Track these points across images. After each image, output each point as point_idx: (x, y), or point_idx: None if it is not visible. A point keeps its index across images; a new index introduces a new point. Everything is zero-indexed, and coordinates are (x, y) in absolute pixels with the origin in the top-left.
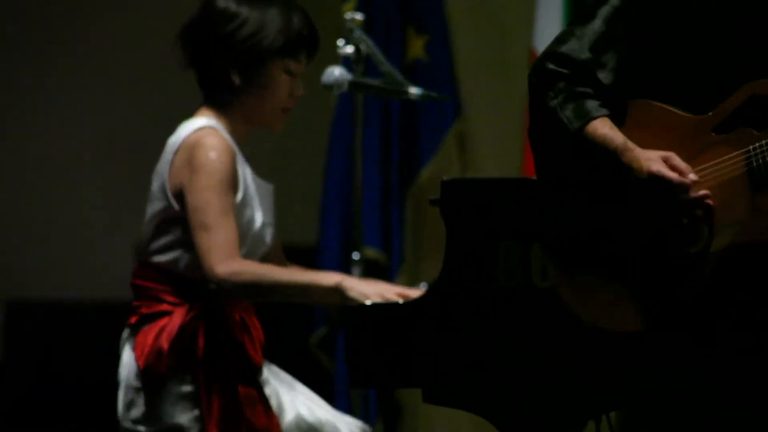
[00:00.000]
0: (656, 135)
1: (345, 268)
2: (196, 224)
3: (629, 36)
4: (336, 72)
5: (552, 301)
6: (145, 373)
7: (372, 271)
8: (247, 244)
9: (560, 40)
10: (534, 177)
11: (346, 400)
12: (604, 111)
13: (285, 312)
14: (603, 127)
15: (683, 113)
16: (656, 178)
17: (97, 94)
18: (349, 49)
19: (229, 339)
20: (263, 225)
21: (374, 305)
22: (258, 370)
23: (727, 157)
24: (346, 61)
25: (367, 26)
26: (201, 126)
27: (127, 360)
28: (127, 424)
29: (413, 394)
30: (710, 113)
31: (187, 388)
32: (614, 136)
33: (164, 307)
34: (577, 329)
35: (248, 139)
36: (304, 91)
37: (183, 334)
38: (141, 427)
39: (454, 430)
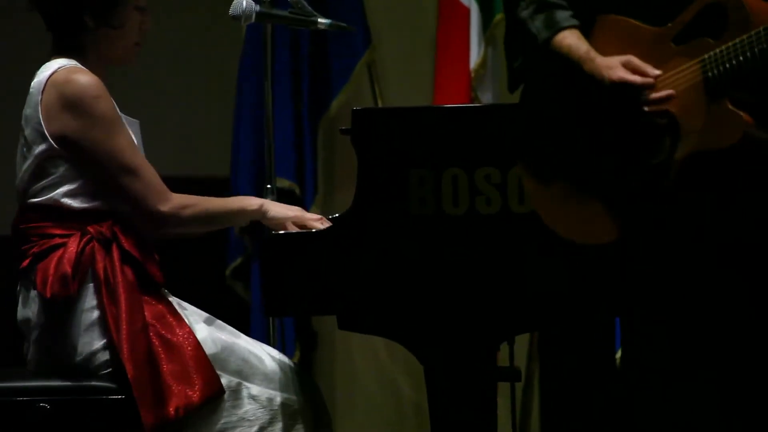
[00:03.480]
0: (620, 48)
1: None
2: (116, 171)
3: None
4: (244, 3)
5: (461, 227)
6: (51, 303)
7: (286, 201)
8: None
9: None
10: (444, 105)
11: (263, 330)
12: (574, 21)
13: (200, 244)
14: (570, 37)
15: (645, 26)
16: (619, 85)
17: None
18: None
19: (127, 258)
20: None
21: (288, 234)
22: (160, 286)
23: (684, 66)
24: None
25: None
26: (63, 65)
27: (28, 300)
28: (35, 365)
29: (329, 321)
30: (669, 24)
31: (93, 315)
32: (579, 46)
33: (56, 240)
34: (488, 252)
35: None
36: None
37: (81, 259)
38: (52, 362)
39: (370, 356)
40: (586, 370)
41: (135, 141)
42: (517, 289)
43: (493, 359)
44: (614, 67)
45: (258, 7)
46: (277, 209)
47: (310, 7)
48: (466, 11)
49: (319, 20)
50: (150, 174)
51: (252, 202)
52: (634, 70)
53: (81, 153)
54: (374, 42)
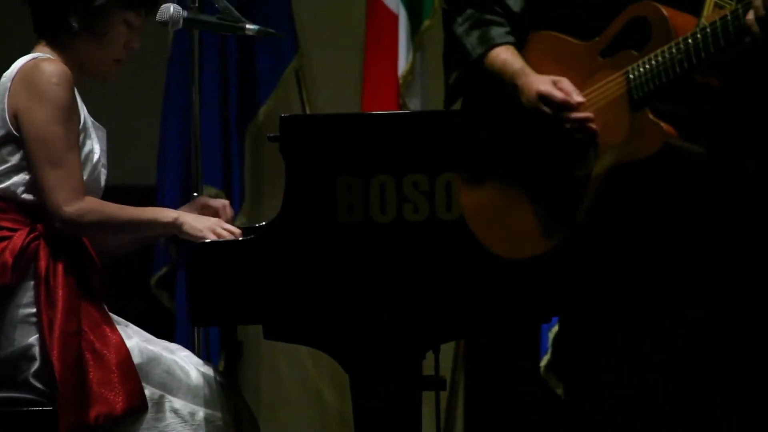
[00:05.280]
0: (551, 64)
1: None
2: (41, 157)
3: None
4: (171, 9)
5: (389, 234)
6: None
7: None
8: (86, 176)
9: None
10: (373, 112)
11: (188, 339)
12: (509, 38)
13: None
14: (505, 53)
15: (575, 41)
16: (544, 99)
17: None
18: None
19: (70, 262)
20: (99, 161)
21: (214, 243)
22: (99, 293)
23: (609, 78)
24: None
25: None
26: (37, 55)
27: None
28: None
29: (255, 330)
30: (597, 38)
31: (28, 312)
32: (513, 62)
33: (3, 233)
34: (414, 260)
35: (87, 82)
36: (138, 44)
37: (25, 252)
38: None
39: (296, 365)
40: (510, 379)
41: (98, 147)
42: (444, 298)
43: (418, 368)
44: (544, 81)
45: (185, 13)
46: (193, 223)
47: (238, 13)
48: (395, 17)
49: (247, 26)
50: (71, 173)
51: (167, 214)
52: (561, 90)
53: (21, 132)
54: (302, 48)
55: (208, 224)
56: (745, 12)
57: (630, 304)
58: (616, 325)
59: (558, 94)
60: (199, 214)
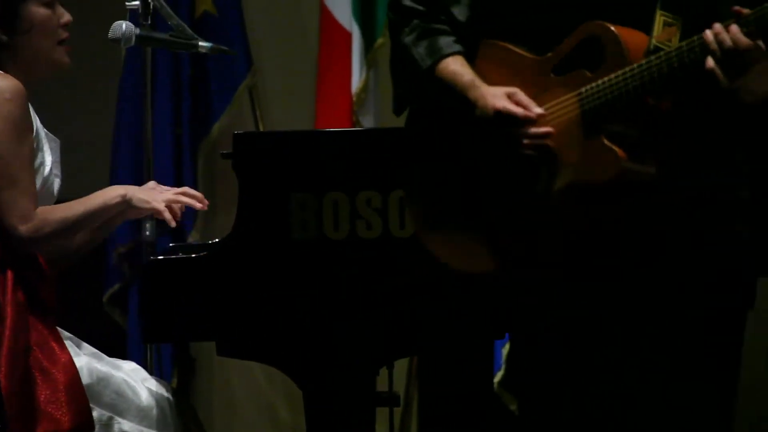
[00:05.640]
0: (502, 75)
1: (137, 223)
2: None
3: None
4: (123, 26)
5: (342, 251)
6: None
7: (164, 225)
8: (37, 187)
9: None
10: (327, 129)
11: (140, 356)
12: (457, 48)
13: (77, 269)
14: (454, 64)
15: (527, 54)
16: (501, 115)
17: None
18: (136, 3)
19: (21, 278)
20: (51, 173)
21: (167, 260)
22: (49, 307)
23: (563, 98)
24: (133, 15)
25: None
26: None
27: None
28: None
29: (208, 346)
30: (550, 54)
31: None
32: (463, 73)
33: None
34: (368, 277)
35: (39, 96)
36: (71, 17)
37: None
38: None
39: (249, 381)
40: (464, 394)
41: (49, 158)
42: (397, 314)
43: (371, 384)
44: (499, 96)
45: (138, 30)
46: (141, 195)
47: (190, 31)
48: (348, 35)
49: (200, 43)
50: (24, 191)
51: (114, 193)
52: (518, 103)
53: None
54: (256, 65)
55: (158, 196)
56: (701, 45)
57: (584, 316)
58: (571, 338)
59: (518, 110)
60: None
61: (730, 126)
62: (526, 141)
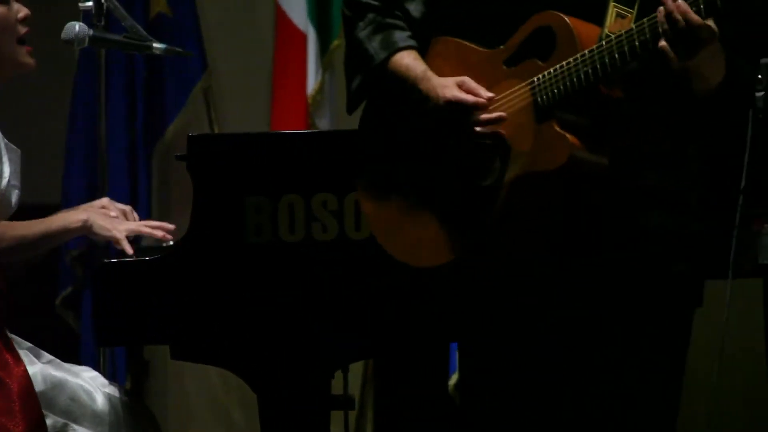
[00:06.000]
0: (454, 70)
1: None
2: None
3: None
4: (77, 27)
5: (298, 254)
6: None
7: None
8: None
9: None
10: (282, 131)
11: (93, 360)
12: (411, 42)
13: (29, 273)
14: (407, 57)
15: (478, 48)
16: (453, 105)
17: None
18: (89, 4)
19: None
20: (9, 183)
21: (120, 263)
22: (1, 316)
23: (515, 88)
24: (86, 16)
25: None
26: None
27: None
28: None
29: (162, 350)
30: (501, 46)
31: None
32: (416, 66)
33: None
34: (324, 279)
35: None
36: (29, 11)
37: None
38: None
39: (204, 385)
40: (419, 397)
41: (7, 170)
42: (352, 317)
43: (326, 387)
44: (449, 86)
45: (91, 31)
46: (102, 223)
47: (144, 32)
48: (303, 37)
49: (154, 45)
50: None
51: (75, 218)
52: (468, 91)
53: None
54: (210, 67)
55: (120, 226)
56: (651, 26)
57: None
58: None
59: (468, 98)
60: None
61: (682, 119)
62: (478, 129)
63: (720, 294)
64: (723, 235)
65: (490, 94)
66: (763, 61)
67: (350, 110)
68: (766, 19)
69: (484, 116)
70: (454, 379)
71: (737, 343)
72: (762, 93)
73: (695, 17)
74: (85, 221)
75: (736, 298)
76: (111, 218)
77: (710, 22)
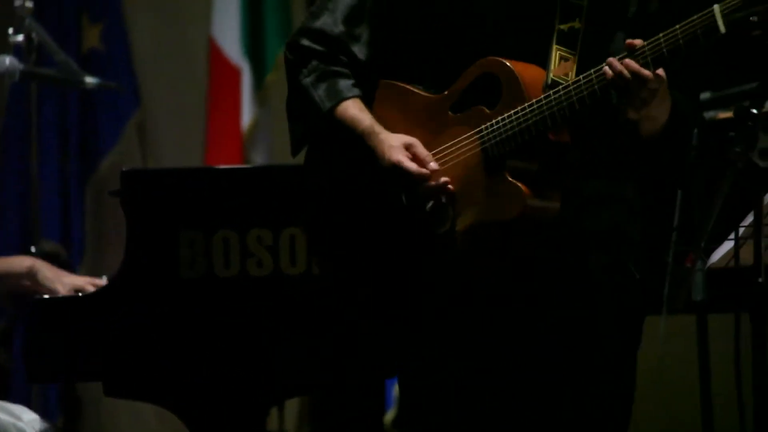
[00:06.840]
0: (400, 117)
1: None
2: None
3: (378, 8)
4: (7, 61)
5: (232, 290)
6: None
7: (52, 264)
8: None
9: (314, 14)
10: (217, 166)
11: (24, 396)
12: (356, 91)
13: None
14: (353, 108)
15: (424, 93)
16: (398, 169)
17: None
18: (20, 38)
19: None
20: None
21: (53, 299)
22: None
23: (463, 137)
24: (17, 50)
25: (38, 14)
26: None
27: None
28: None
29: (95, 386)
30: (446, 92)
31: None
32: (362, 118)
33: None
34: (258, 315)
35: None
36: None
37: None
38: None
39: (138, 422)
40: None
41: None
42: (288, 353)
43: (262, 424)
44: (395, 147)
45: (22, 66)
46: (47, 273)
47: (77, 66)
48: (237, 71)
49: (87, 79)
50: None
51: (20, 264)
52: (415, 156)
53: None
54: (144, 101)
55: (65, 279)
56: (599, 77)
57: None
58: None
59: (412, 167)
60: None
61: (626, 159)
62: (423, 194)
63: (654, 330)
64: (657, 271)
65: (435, 167)
66: (703, 96)
67: (294, 153)
68: (700, 53)
69: (429, 184)
70: (390, 414)
71: (671, 377)
72: (695, 130)
73: (645, 72)
74: (31, 267)
75: (669, 334)
76: (56, 270)
77: (659, 72)
